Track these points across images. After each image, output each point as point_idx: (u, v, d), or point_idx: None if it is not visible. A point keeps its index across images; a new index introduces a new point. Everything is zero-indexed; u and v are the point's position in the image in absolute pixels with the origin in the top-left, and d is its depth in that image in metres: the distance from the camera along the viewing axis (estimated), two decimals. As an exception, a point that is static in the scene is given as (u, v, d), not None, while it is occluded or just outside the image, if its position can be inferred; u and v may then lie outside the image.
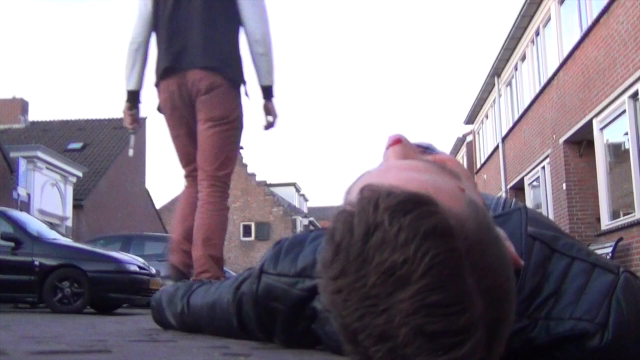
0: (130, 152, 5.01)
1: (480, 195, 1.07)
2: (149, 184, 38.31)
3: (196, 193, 3.97)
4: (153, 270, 10.63)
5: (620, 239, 9.80)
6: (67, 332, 2.57)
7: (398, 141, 1.06)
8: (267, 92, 3.94)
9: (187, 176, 4.21)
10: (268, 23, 3.85)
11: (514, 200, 1.48)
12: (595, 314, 1.17)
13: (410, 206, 0.89)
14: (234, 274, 23.75)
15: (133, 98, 4.09)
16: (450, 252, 0.88)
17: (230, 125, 3.85)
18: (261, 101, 3.98)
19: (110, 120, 30.33)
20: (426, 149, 1.16)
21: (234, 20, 3.81)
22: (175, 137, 4.05)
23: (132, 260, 10.19)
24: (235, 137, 3.96)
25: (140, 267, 10.09)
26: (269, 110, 4.01)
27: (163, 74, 3.81)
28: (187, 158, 4.09)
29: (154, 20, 3.87)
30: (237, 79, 3.85)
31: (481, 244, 0.93)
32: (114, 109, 64.65)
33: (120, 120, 23.94)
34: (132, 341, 1.78)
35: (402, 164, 0.97)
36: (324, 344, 1.43)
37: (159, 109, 4.03)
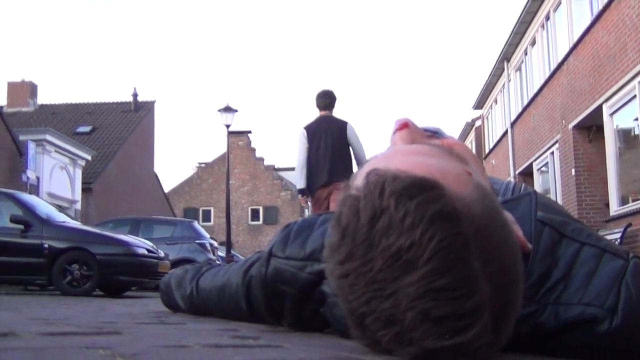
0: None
1: (488, 180, 1.07)
2: (158, 168, 38.46)
3: None
4: (161, 254, 10.70)
5: (629, 225, 9.76)
6: (76, 314, 2.58)
7: (405, 125, 1.06)
8: None
9: None
10: (362, 147, 7.17)
11: (523, 185, 1.47)
12: (604, 300, 1.17)
13: (416, 190, 0.88)
14: (242, 257, 23.80)
15: (302, 191, 7.36)
16: (456, 236, 0.88)
17: None
18: None
19: (118, 104, 30.37)
20: (434, 133, 1.15)
21: (349, 150, 7.18)
22: (319, 208, 7.07)
23: (141, 244, 10.24)
24: None
25: (148, 251, 10.14)
26: None
27: (323, 184, 7.04)
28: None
29: (309, 154, 7.16)
30: None
31: (488, 228, 0.93)
32: (123, 92, 64.68)
33: (129, 103, 24.20)
34: (141, 323, 1.79)
35: (409, 149, 0.97)
36: (332, 327, 1.43)
37: (317, 203, 7.13)
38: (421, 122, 1.10)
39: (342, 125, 7.22)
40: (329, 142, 7.13)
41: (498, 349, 0.99)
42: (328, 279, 0.99)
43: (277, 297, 1.57)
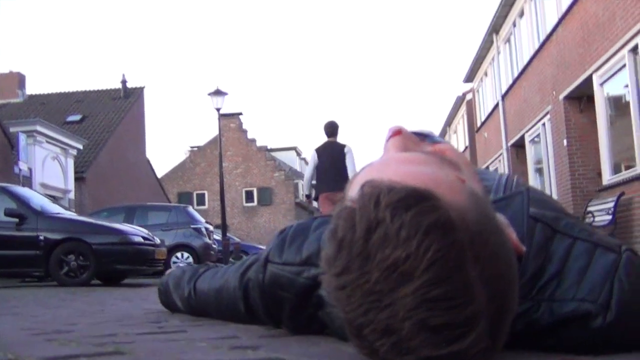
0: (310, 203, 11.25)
1: (480, 183, 1.07)
2: (150, 154, 38.35)
3: None
4: (157, 241, 10.70)
5: (622, 194, 9.81)
6: (75, 319, 2.58)
7: (398, 132, 1.06)
8: None
9: None
10: (356, 168, 9.13)
11: (515, 179, 1.46)
12: (597, 295, 1.18)
13: (411, 202, 0.89)
14: (237, 239, 23.83)
15: (308, 196, 10.36)
16: (452, 245, 0.89)
17: None
18: None
19: (108, 91, 30.24)
20: (426, 137, 1.16)
21: (346, 168, 9.53)
22: (327, 208, 9.27)
23: (136, 232, 10.23)
24: None
25: (144, 238, 10.14)
26: None
27: (328, 190, 9.37)
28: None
29: (319, 168, 9.72)
30: None
31: (483, 235, 0.94)
32: (112, 79, 64.29)
33: (118, 90, 24.49)
34: (141, 334, 1.79)
35: (402, 157, 0.97)
36: (331, 329, 1.44)
37: (325, 203, 9.52)
38: (413, 123, 1.11)
39: (341, 148, 9.88)
40: (332, 161, 9.78)
41: (495, 352, 1.00)
42: (325, 291, 1.00)
43: (275, 302, 1.57)
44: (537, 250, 1.23)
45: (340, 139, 10.23)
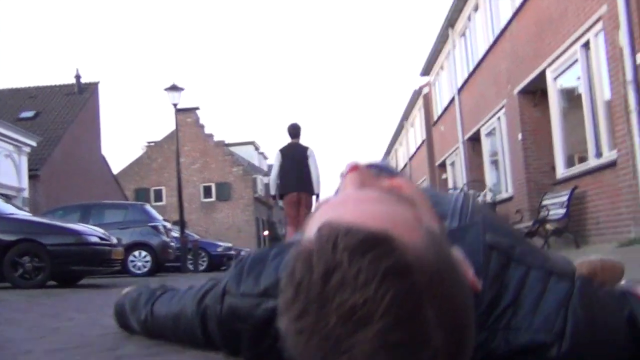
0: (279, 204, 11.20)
1: (436, 218, 1.07)
2: (105, 150, 37.73)
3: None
4: (114, 240, 10.56)
5: (576, 187, 9.98)
6: (32, 343, 2.53)
7: (355, 168, 1.06)
8: (318, 195, 10.37)
9: (292, 224, 10.41)
10: (318, 168, 10.40)
11: (471, 201, 1.46)
12: (552, 325, 1.19)
13: (368, 246, 0.89)
14: (196, 236, 23.56)
15: (274, 196, 10.66)
16: (409, 289, 0.89)
17: (310, 207, 10.11)
18: (315, 197, 10.36)
19: (62, 87, 29.71)
20: (383, 170, 1.16)
21: (308, 169, 10.26)
22: (291, 212, 10.31)
23: (93, 232, 10.10)
24: (311, 209, 9.68)
25: (101, 238, 10.01)
26: (317, 198, 10.40)
27: (291, 190, 10.21)
28: (294, 217, 10.29)
29: (283, 168, 10.31)
30: (313, 193, 10.31)
31: (440, 274, 0.94)
32: (66, 74, 63.22)
33: (72, 85, 24.26)
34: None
35: (360, 196, 0.97)
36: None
37: (289, 203, 10.28)
38: (370, 156, 1.11)
39: (304, 149, 10.56)
40: (295, 162, 10.42)
41: None
42: (283, 336, 0.99)
43: (233, 333, 1.56)
44: (492, 279, 1.24)
45: (302, 137, 10.80)
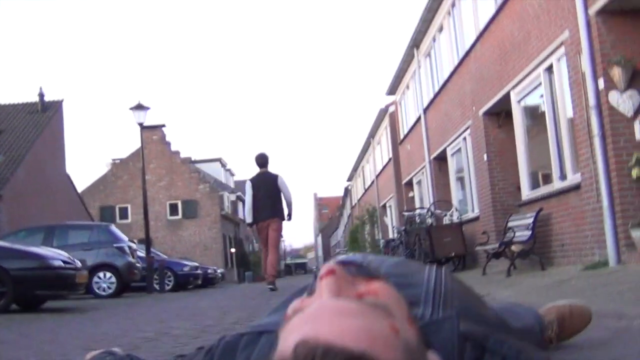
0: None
1: (413, 325, 1.07)
2: (70, 168, 37.16)
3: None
4: (78, 264, 10.42)
5: (541, 210, 10.09)
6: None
7: (331, 272, 1.05)
8: (290, 216, 11.45)
9: (265, 246, 11.44)
10: (289, 192, 11.32)
11: (443, 282, 1.44)
12: None
13: None
14: (163, 255, 23.30)
15: (250, 225, 11.39)
16: None
17: (279, 231, 11.37)
18: (288, 217, 11.46)
19: (24, 105, 29.33)
20: (359, 268, 1.15)
21: (280, 196, 11.22)
22: (264, 238, 11.31)
23: (57, 255, 9.96)
24: (279, 232, 11.38)
25: (64, 262, 9.86)
26: (289, 218, 11.47)
27: (263, 219, 11.11)
28: (264, 240, 11.30)
29: (255, 197, 11.11)
30: (283, 218, 11.34)
31: None
32: (28, 92, 62.48)
33: (35, 104, 24.28)
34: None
35: (336, 308, 0.96)
36: None
37: (259, 231, 11.24)
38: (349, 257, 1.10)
39: (274, 178, 11.20)
40: (266, 190, 11.07)
41: None
42: None
43: None
44: None
45: (271, 158, 11.56)
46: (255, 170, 11.44)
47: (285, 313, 1.32)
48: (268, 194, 11.06)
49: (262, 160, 11.33)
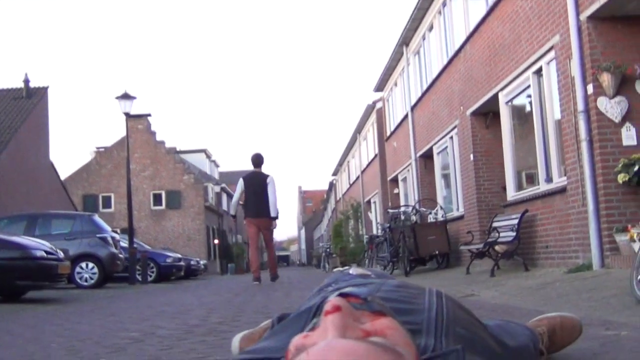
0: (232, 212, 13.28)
1: (417, 353, 1.05)
2: (54, 156, 36.69)
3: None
4: (61, 255, 10.33)
5: (526, 211, 10.12)
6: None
7: (337, 309, 1.02)
8: (275, 217, 12.01)
9: (253, 243, 12.42)
10: (276, 195, 11.99)
11: (445, 306, 1.42)
12: None
13: None
14: (146, 246, 23.17)
15: (234, 217, 13.23)
16: None
17: (270, 230, 12.25)
18: (273, 220, 12.08)
19: (9, 91, 29.01)
20: (365, 302, 1.13)
21: (266, 196, 11.85)
22: (252, 232, 12.15)
23: (39, 245, 9.87)
24: (272, 231, 12.34)
25: (47, 252, 9.78)
26: (275, 223, 12.19)
27: (251, 216, 11.98)
28: (254, 237, 12.12)
29: (246, 194, 12.02)
30: (271, 218, 11.95)
31: None
32: (14, 78, 61.85)
33: (20, 90, 24.10)
34: None
35: (344, 349, 0.93)
36: None
37: (250, 226, 12.06)
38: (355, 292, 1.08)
39: (265, 178, 12.01)
40: (256, 188, 11.89)
41: None
42: None
43: None
44: None
45: (263, 158, 12.30)
46: (246, 165, 12.57)
47: (282, 338, 1.30)
48: (257, 192, 11.86)
49: (257, 160, 12.17)
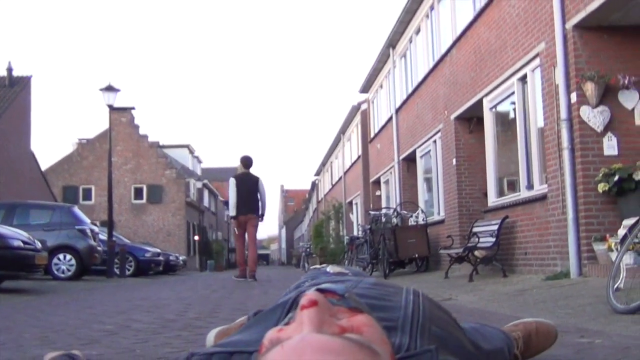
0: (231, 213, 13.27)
1: (392, 354, 1.04)
2: (34, 146, 36.29)
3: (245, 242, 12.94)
4: (38, 245, 10.25)
5: (506, 217, 10.16)
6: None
7: (314, 303, 1.00)
8: (263, 215, 12.79)
9: (241, 237, 12.87)
10: (265, 195, 12.85)
11: (421, 308, 1.41)
12: None
13: None
14: (125, 239, 23.03)
15: (234, 217, 12.74)
16: None
17: (255, 226, 12.76)
18: (260, 217, 12.78)
19: (-11, 79, 28.79)
20: (342, 298, 1.11)
21: (257, 196, 12.70)
22: (240, 229, 12.75)
23: (16, 235, 9.78)
24: (256, 228, 12.85)
25: (24, 242, 9.70)
26: (262, 219, 12.83)
27: (243, 214, 12.53)
28: (241, 235, 12.78)
29: (237, 194, 12.50)
30: (258, 215, 12.70)
31: None
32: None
33: (3, 78, 23.85)
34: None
35: (319, 344, 0.92)
36: None
37: (238, 224, 12.73)
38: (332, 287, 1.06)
39: (255, 179, 12.72)
40: (247, 189, 12.54)
41: None
42: None
43: None
44: None
45: (254, 165, 13.11)
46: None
47: (256, 331, 1.28)
48: (248, 192, 12.54)
49: (247, 162, 12.93)
